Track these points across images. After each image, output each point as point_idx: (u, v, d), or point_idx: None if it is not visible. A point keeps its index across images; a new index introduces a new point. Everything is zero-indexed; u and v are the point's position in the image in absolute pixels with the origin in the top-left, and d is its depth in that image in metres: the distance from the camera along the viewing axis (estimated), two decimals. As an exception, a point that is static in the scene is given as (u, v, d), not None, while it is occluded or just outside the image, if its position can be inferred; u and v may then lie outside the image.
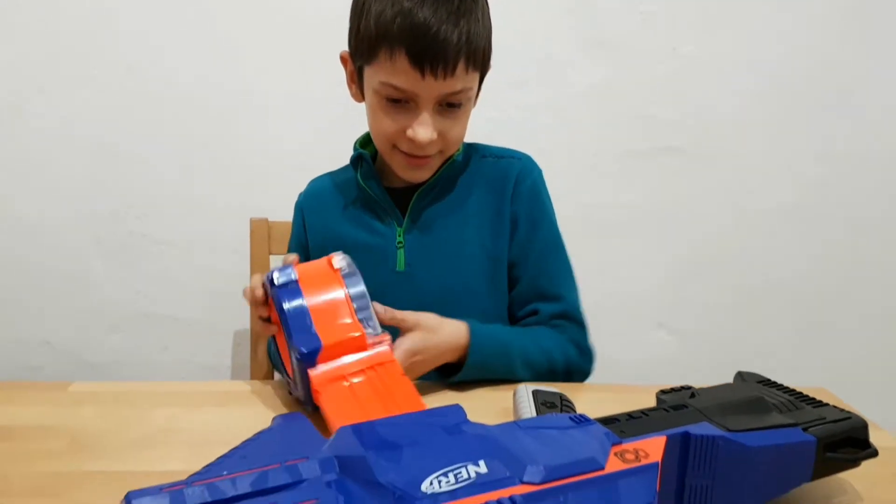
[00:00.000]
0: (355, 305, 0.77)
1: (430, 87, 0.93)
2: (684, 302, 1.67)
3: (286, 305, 0.76)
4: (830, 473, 0.65)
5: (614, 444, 0.56)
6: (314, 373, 0.74)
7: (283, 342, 0.83)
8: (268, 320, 0.86)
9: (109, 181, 1.56)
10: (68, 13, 1.50)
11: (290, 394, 0.86)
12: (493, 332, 0.94)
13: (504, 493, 0.48)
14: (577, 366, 1.03)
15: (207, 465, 0.52)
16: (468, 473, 0.49)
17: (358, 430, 0.55)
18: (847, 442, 0.64)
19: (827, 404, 0.69)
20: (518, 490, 0.48)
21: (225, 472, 0.49)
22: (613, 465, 0.53)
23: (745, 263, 1.62)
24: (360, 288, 0.79)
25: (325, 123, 1.52)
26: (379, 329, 0.77)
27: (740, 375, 0.76)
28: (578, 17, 1.49)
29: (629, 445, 0.57)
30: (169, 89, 1.53)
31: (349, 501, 0.48)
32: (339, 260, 0.80)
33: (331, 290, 0.78)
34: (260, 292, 0.84)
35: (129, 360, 1.58)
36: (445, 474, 0.49)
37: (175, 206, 1.56)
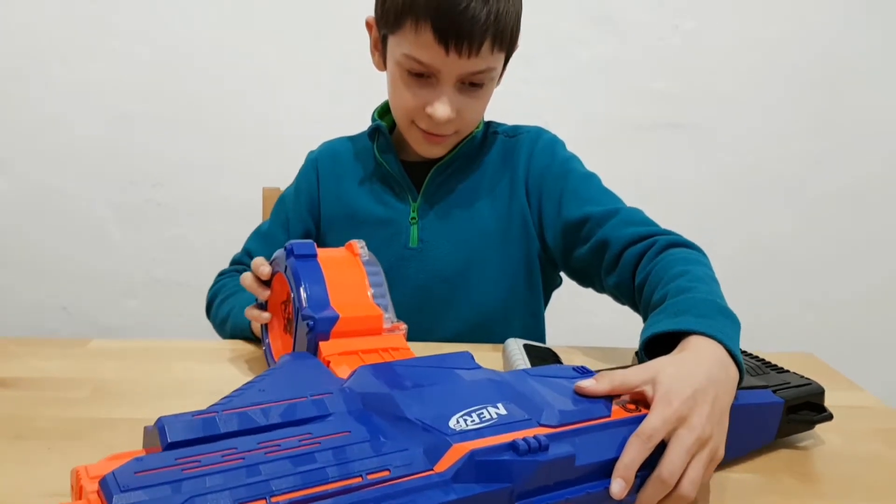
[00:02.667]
0: (373, 291, 0.74)
1: (454, 65, 0.90)
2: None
3: (303, 274, 0.72)
4: (790, 434, 0.69)
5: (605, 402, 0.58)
6: (326, 345, 0.67)
7: (278, 333, 0.81)
8: (262, 307, 0.83)
9: (126, 150, 1.59)
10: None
11: None
12: (705, 311, 0.69)
13: (528, 432, 0.51)
14: (709, 263, 0.86)
15: (227, 397, 0.54)
16: (490, 414, 0.52)
17: (377, 369, 0.58)
18: (806, 406, 0.69)
19: (789, 371, 0.73)
20: (538, 431, 0.51)
21: (250, 404, 0.51)
22: (618, 413, 0.57)
23: (744, 233, 1.65)
24: (380, 277, 0.76)
25: (339, 92, 1.53)
26: (395, 318, 0.73)
27: None
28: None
29: (628, 397, 0.60)
30: (185, 60, 1.56)
31: (378, 435, 0.49)
32: (359, 246, 0.78)
33: (350, 271, 0.75)
34: (267, 269, 0.79)
35: (143, 325, 1.63)
36: (469, 414, 0.51)
37: (189, 175, 1.60)
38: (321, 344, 0.67)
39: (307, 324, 0.68)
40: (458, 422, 0.50)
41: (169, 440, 0.46)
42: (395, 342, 0.70)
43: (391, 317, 0.73)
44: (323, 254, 0.75)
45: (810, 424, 0.70)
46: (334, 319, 0.68)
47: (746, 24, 1.58)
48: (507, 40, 0.93)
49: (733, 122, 1.62)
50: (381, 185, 1.08)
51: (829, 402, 0.77)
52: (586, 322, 1.44)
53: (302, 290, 0.71)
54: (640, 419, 0.56)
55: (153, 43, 1.56)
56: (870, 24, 1.60)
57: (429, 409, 0.51)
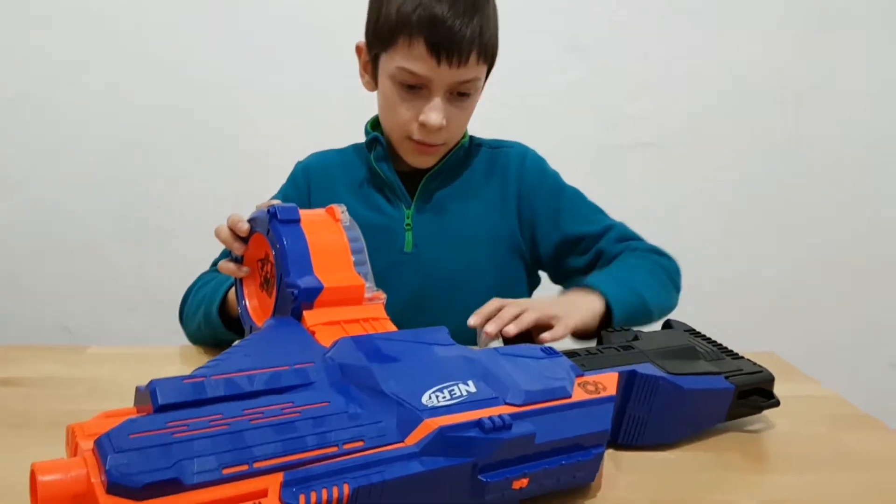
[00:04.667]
0: (355, 258, 0.73)
1: (444, 75, 0.98)
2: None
3: (287, 241, 0.70)
4: (739, 416, 0.74)
5: (578, 375, 0.63)
6: (311, 314, 0.67)
7: (253, 290, 0.81)
8: (238, 261, 0.84)
9: (128, 173, 1.64)
10: (96, 13, 1.60)
11: None
12: (614, 279, 0.97)
13: (494, 410, 0.54)
14: (673, 266, 1.10)
15: (214, 360, 0.56)
16: (460, 391, 0.54)
17: (358, 341, 0.60)
18: (757, 391, 0.74)
19: (743, 357, 0.78)
20: (503, 409, 0.54)
21: (236, 370, 0.52)
22: (578, 394, 0.60)
23: (715, 249, 1.70)
24: (360, 243, 0.75)
25: (333, 120, 1.59)
26: (375, 287, 0.73)
27: (668, 323, 0.84)
28: (556, 22, 1.60)
29: (590, 378, 0.64)
30: (187, 87, 1.62)
31: (355, 406, 0.52)
32: (341, 212, 0.76)
33: (332, 238, 0.73)
34: (245, 226, 0.80)
35: (143, 343, 1.67)
36: (441, 390, 0.54)
37: (188, 197, 1.65)
38: (305, 313, 0.67)
39: (292, 293, 0.67)
40: (430, 398, 0.53)
41: (160, 402, 0.48)
42: (375, 312, 0.71)
43: (371, 286, 0.72)
44: (305, 217, 0.73)
45: (759, 409, 0.74)
46: (318, 290, 0.68)
47: (712, 49, 1.66)
48: (489, 53, 1.02)
49: (702, 142, 1.70)
50: (375, 192, 1.13)
51: (783, 393, 0.81)
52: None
53: (286, 257, 0.70)
54: (599, 400, 0.60)
55: (153, 72, 1.62)
56: (828, 49, 1.68)
57: (404, 384, 0.54)
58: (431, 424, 0.50)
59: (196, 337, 1.02)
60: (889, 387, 1.82)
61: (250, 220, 0.81)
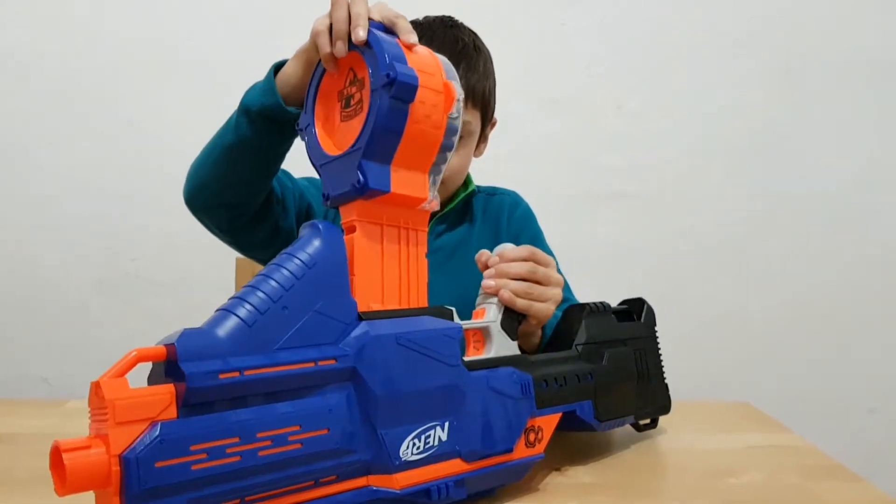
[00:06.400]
0: (437, 158, 0.66)
1: None
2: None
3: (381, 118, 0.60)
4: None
5: (531, 416, 0.70)
6: (361, 205, 0.62)
7: (327, 123, 0.69)
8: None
9: (106, 226, 1.66)
10: (74, 72, 1.63)
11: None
12: None
13: (449, 466, 0.63)
14: None
15: (250, 303, 0.54)
16: (433, 440, 0.61)
17: (381, 340, 0.59)
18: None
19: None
20: (456, 467, 0.63)
21: (271, 342, 0.53)
22: (519, 450, 0.69)
23: (688, 295, 1.73)
24: (452, 141, 0.66)
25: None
26: (435, 195, 0.66)
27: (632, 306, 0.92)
28: (534, 77, 1.64)
29: (537, 422, 0.72)
30: (162, 145, 1.64)
31: (347, 436, 0.56)
32: (457, 99, 0.65)
33: (430, 132, 0.63)
34: (344, 50, 0.65)
35: (121, 395, 1.66)
36: (419, 436, 0.60)
37: (165, 249, 1.66)
38: (356, 203, 0.62)
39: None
40: (407, 447, 0.60)
41: (191, 401, 0.49)
42: (420, 222, 0.67)
43: (434, 194, 0.66)
44: (420, 92, 0.62)
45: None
46: (381, 192, 0.61)
47: (684, 100, 1.71)
48: (479, 99, 1.04)
49: (676, 191, 1.74)
50: None
51: (756, 444, 0.83)
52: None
53: (377, 127, 0.60)
54: (528, 459, 0.70)
55: (135, 126, 1.64)
56: (798, 100, 1.74)
57: (395, 421, 0.59)
58: (397, 480, 0.59)
59: (201, 156, 0.90)
60: (869, 431, 1.84)
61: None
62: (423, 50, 0.66)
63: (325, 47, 0.66)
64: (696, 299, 1.74)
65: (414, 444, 0.60)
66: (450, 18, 1.09)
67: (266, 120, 0.79)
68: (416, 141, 0.62)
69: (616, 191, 1.72)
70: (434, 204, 0.66)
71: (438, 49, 0.97)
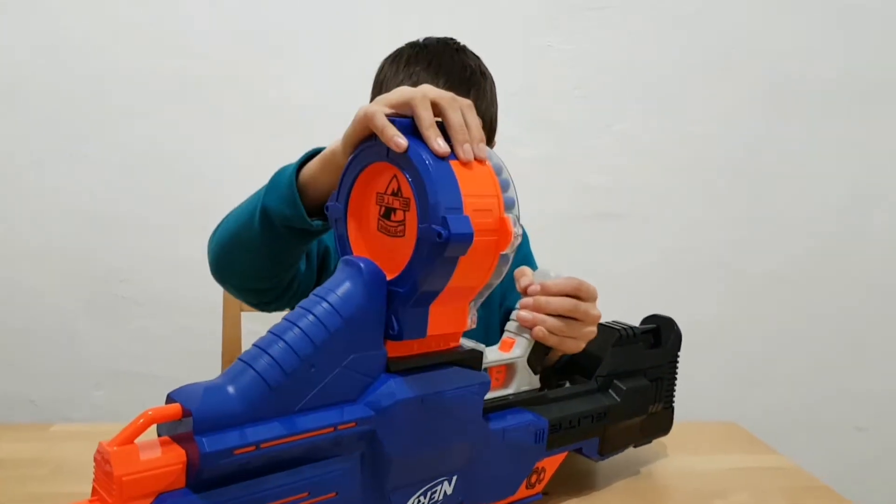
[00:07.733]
0: (477, 301, 0.61)
1: None
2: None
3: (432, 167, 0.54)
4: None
5: (538, 459, 0.70)
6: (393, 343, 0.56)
7: (360, 230, 0.61)
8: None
9: (96, 248, 1.65)
10: (60, 94, 1.63)
11: None
12: None
13: None
14: None
15: (273, 334, 0.51)
16: (440, 494, 0.61)
17: (406, 405, 0.55)
18: None
19: None
20: None
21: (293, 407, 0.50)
22: (521, 492, 0.69)
23: (675, 315, 1.73)
24: (501, 279, 0.60)
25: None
26: (474, 317, 0.61)
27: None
28: (522, 98, 1.65)
29: (544, 462, 0.71)
30: (156, 162, 1.64)
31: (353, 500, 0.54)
32: (516, 232, 0.57)
33: (479, 277, 0.58)
34: (404, 141, 0.55)
35: (111, 415, 1.65)
36: (425, 493, 0.60)
37: (154, 271, 1.66)
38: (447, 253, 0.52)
39: (438, 234, 0.51)
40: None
41: (203, 477, 0.46)
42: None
43: (473, 319, 0.61)
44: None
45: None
46: (469, 237, 0.53)
47: (671, 123, 1.72)
48: (486, 127, 1.02)
49: (666, 212, 1.75)
50: None
51: (742, 465, 0.84)
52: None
53: (428, 183, 0.53)
54: (528, 499, 0.71)
55: (124, 148, 1.64)
56: (785, 121, 1.75)
57: (405, 482, 0.58)
58: None
59: (225, 239, 0.85)
60: (857, 449, 1.85)
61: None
62: (479, 168, 0.57)
63: (395, 137, 0.55)
64: (682, 319, 1.75)
65: (419, 501, 0.60)
66: (453, 41, 1.06)
67: (289, 229, 0.74)
68: (461, 283, 0.56)
69: (603, 211, 1.73)
70: (472, 322, 0.61)
71: (447, 77, 0.97)
